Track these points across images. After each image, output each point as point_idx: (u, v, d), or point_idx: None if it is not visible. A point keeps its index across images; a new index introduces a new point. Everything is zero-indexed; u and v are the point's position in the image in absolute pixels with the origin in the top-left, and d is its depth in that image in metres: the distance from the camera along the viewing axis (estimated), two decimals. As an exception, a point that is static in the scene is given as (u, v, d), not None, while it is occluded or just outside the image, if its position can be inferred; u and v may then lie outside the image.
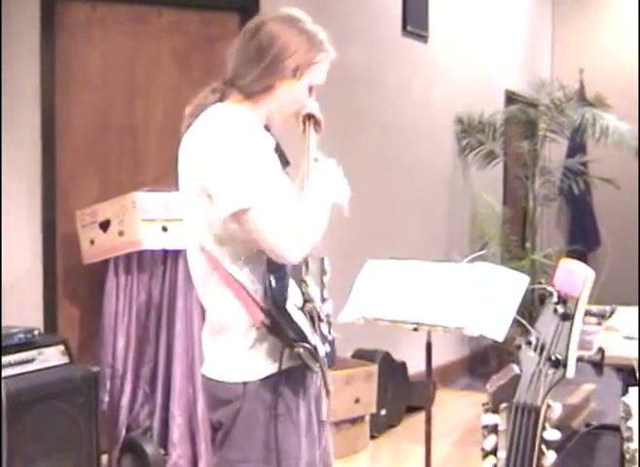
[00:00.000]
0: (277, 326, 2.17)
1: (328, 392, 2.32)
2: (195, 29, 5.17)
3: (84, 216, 4.55)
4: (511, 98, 8.14)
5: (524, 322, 2.29)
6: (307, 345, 2.18)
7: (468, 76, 7.46)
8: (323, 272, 2.45)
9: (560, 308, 1.68)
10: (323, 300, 2.39)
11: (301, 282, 2.25)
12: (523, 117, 7.49)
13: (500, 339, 3.18)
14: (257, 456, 2.25)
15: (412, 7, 6.55)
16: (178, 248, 4.50)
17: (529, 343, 1.71)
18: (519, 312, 3.22)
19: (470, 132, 7.39)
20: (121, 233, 4.41)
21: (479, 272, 3.35)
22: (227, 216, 2.18)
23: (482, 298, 3.25)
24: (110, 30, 4.96)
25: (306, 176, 2.33)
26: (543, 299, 1.76)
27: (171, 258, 4.54)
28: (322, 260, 2.47)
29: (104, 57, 4.96)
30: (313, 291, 2.30)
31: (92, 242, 4.53)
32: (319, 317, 2.27)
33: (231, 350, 2.28)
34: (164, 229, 4.40)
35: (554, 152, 8.25)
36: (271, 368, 2.23)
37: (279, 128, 2.44)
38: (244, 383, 2.24)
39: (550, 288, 1.74)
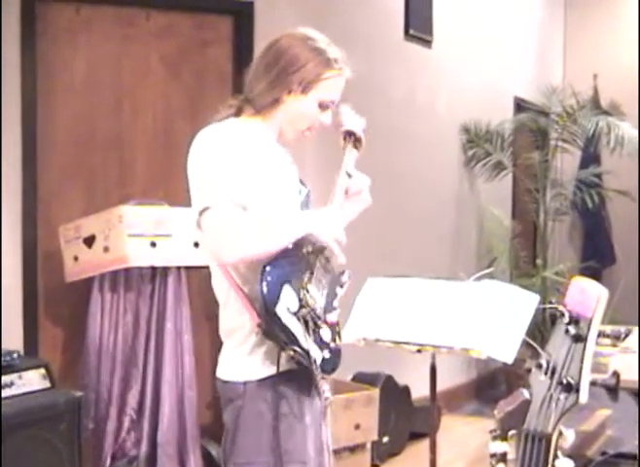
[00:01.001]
0: (269, 329, 2.33)
1: (320, 396, 2.47)
2: (186, 33, 5.18)
3: (67, 231, 4.56)
4: (520, 106, 8.16)
5: (534, 344, 2.30)
6: (297, 349, 2.33)
7: (475, 82, 7.48)
8: (338, 283, 2.59)
9: (572, 329, 1.69)
10: (332, 309, 2.53)
11: (301, 289, 2.38)
12: (533, 126, 7.51)
13: (509, 361, 3.18)
14: (262, 458, 2.42)
15: (415, 9, 6.57)
16: (167, 265, 4.51)
17: (540, 367, 1.71)
18: (529, 333, 3.21)
19: (477, 142, 7.40)
20: (106, 250, 4.42)
21: (486, 291, 3.36)
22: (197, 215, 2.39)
23: (490, 318, 3.25)
24: (95, 34, 4.98)
25: (338, 192, 2.58)
26: (554, 319, 1.77)
27: (160, 276, 4.55)
28: (341, 272, 2.62)
29: (89, 63, 4.97)
30: (316, 298, 2.43)
31: (76, 259, 4.53)
32: (315, 323, 2.40)
33: (235, 352, 2.49)
34: (153, 244, 4.41)
35: (567, 163, 8.27)
36: (270, 370, 2.42)
37: (294, 143, 2.60)
38: (244, 383, 2.44)
39: (561, 308, 1.74)
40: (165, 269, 4.53)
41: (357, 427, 5.18)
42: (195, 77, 5.21)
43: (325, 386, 2.44)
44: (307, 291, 2.40)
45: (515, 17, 8.38)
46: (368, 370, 5.62)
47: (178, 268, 4.56)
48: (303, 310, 2.36)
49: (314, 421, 2.50)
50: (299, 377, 2.43)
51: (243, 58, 4.95)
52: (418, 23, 6.63)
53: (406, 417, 5.83)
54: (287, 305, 2.33)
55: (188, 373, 4.57)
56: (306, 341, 2.35)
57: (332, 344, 2.49)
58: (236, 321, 2.46)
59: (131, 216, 4.39)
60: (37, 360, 4.24)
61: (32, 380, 4.02)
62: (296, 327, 2.34)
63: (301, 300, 2.37)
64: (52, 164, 4.82)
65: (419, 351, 3.36)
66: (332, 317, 2.51)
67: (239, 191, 2.35)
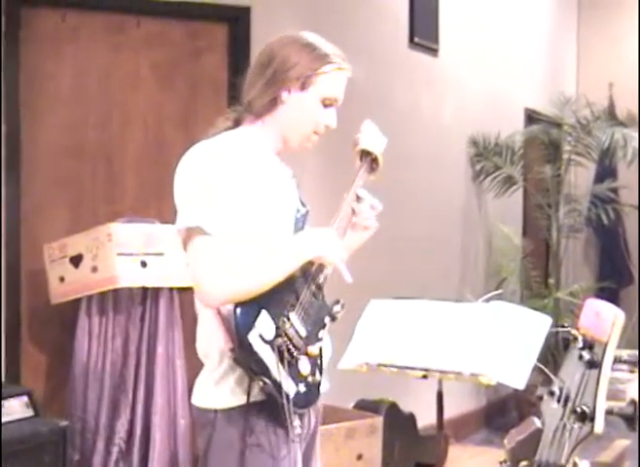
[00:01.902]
0: (240, 356, 2.29)
1: (289, 435, 2.36)
2: (178, 41, 5.20)
3: (52, 250, 4.56)
4: (531, 117, 8.17)
5: (546, 370, 2.30)
6: (267, 381, 2.27)
7: (483, 93, 7.50)
8: (328, 313, 2.51)
9: (586, 354, 1.69)
10: (317, 340, 2.46)
11: (281, 317, 2.32)
12: (545, 138, 7.52)
13: (520, 387, 3.18)
14: None
15: (421, 16, 6.59)
16: (159, 285, 4.51)
17: (552, 394, 1.71)
18: (541, 358, 3.21)
19: (485, 156, 7.40)
20: (94, 269, 4.42)
21: (495, 313, 3.36)
22: (179, 235, 2.35)
23: (500, 341, 3.25)
24: (82, 42, 4.99)
25: (342, 216, 2.54)
26: (567, 343, 1.77)
27: (151, 297, 4.55)
28: (336, 301, 2.55)
29: (76, 72, 4.98)
30: (297, 328, 2.37)
31: (62, 279, 4.53)
32: (292, 354, 2.33)
33: (208, 376, 2.45)
34: (144, 264, 4.41)
35: (580, 177, 8.27)
36: (241, 399, 2.36)
37: (299, 150, 2.56)
38: (215, 411, 2.40)
39: (574, 331, 1.75)
40: (157, 290, 4.54)
41: (359, 458, 5.17)
42: (189, 87, 5.22)
43: (296, 422, 2.33)
44: (288, 319, 2.34)
45: (526, 24, 8.40)
46: (370, 397, 5.61)
47: (170, 288, 4.56)
48: (279, 340, 2.29)
49: (292, 455, 2.42)
50: (272, 408, 2.34)
51: (239, 67, 4.95)
52: (423, 31, 6.64)
53: (411, 447, 5.82)
54: (261, 332, 2.26)
55: (180, 400, 4.56)
56: (279, 373, 2.28)
57: (310, 378, 2.42)
58: (210, 343, 2.42)
59: (121, 234, 4.40)
60: (19, 387, 4.24)
61: (14, 409, 4.02)
62: (268, 357, 2.27)
63: (278, 328, 2.30)
64: (36, 179, 4.83)
65: (425, 377, 3.36)
66: (314, 349, 2.43)
67: (230, 212, 2.30)
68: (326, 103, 2.50)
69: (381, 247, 6.13)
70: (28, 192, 4.78)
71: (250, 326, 2.24)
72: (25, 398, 4.08)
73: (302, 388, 2.39)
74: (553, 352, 6.08)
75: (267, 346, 2.27)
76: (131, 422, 4.54)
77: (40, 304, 4.69)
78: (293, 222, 2.51)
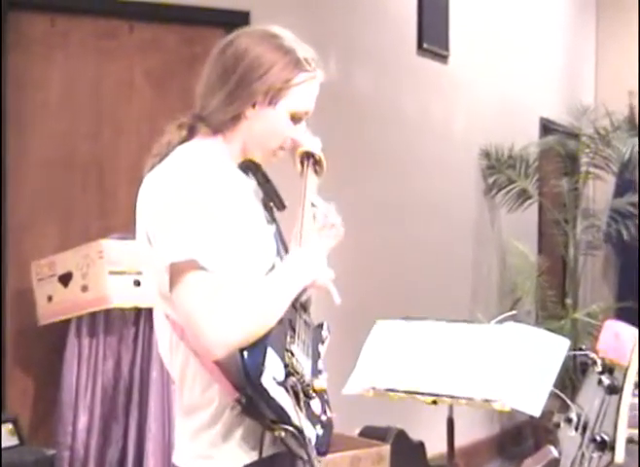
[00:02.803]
0: (253, 405, 2.09)
1: None
2: (173, 47, 5.21)
3: (40, 268, 4.57)
4: (547, 127, 8.18)
5: (563, 396, 2.30)
6: (290, 428, 2.11)
7: (496, 101, 7.51)
8: (319, 340, 2.43)
9: (606, 379, 1.69)
10: (317, 372, 2.35)
11: (284, 352, 2.16)
12: (562, 149, 7.53)
13: (536, 414, 3.17)
14: None
15: (430, 21, 6.60)
16: (153, 306, 4.50)
17: (570, 421, 1.71)
18: (558, 383, 3.21)
19: (498, 168, 7.41)
20: (84, 289, 4.42)
21: (509, 335, 3.36)
22: (164, 270, 2.14)
23: (514, 365, 3.25)
24: (72, 47, 5.01)
25: (299, 231, 2.33)
26: (585, 367, 1.77)
27: (145, 318, 4.55)
28: (320, 325, 2.46)
29: (65, 80, 5.00)
30: (302, 362, 2.24)
31: (50, 299, 4.54)
32: (306, 393, 2.20)
33: (200, 436, 2.24)
34: (137, 283, 4.41)
35: (599, 191, 8.29)
36: (250, 456, 2.19)
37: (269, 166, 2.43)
38: None
39: (592, 355, 1.75)
40: (150, 311, 4.51)
41: (365, 489, 5.16)
42: (184, 96, 5.19)
43: None
44: (292, 354, 2.18)
45: (542, 29, 8.42)
46: (377, 423, 5.60)
47: (165, 309, 4.56)
48: (292, 379, 2.13)
49: None
50: (283, 463, 2.21)
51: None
52: (433, 36, 6.66)
53: (420, 477, 5.81)
54: (273, 373, 2.07)
55: (175, 426, 4.55)
56: (298, 418, 2.12)
57: (323, 417, 2.29)
58: (201, 397, 2.22)
59: (113, 251, 4.40)
60: (4, 414, 4.23)
61: (-1, 436, 4.01)
62: (285, 400, 2.10)
63: (286, 365, 2.14)
64: (23, 193, 4.83)
65: (435, 403, 3.36)
66: (320, 383, 2.29)
67: (223, 242, 2.11)
68: (296, 118, 2.33)
69: (388, 264, 6.14)
70: (15, 206, 4.79)
71: (261, 368, 2.05)
72: (10, 425, 4.08)
73: (320, 430, 2.26)
74: (571, 377, 6.07)
75: (282, 389, 2.11)
76: (123, 451, 4.54)
77: (27, 325, 4.69)
78: (274, 245, 2.34)
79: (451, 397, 3.33)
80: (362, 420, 5.58)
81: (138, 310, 4.53)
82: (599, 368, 1.74)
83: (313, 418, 2.23)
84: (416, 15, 6.54)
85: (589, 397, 1.73)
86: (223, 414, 2.19)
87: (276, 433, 2.11)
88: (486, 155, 7.40)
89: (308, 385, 2.22)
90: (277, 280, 2.18)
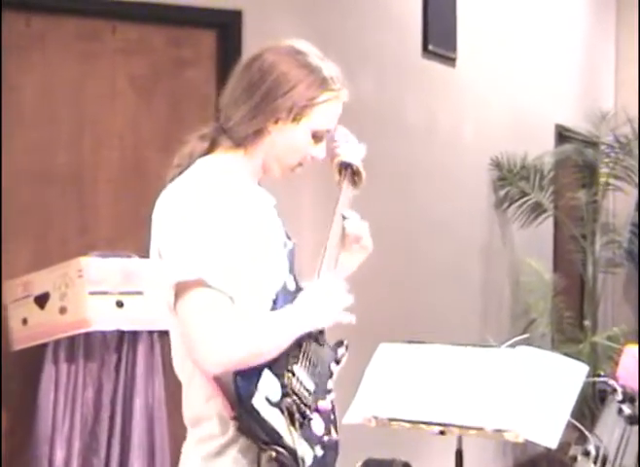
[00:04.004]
0: (245, 425, 2.25)
1: None
2: (160, 50, 5.22)
3: (14, 288, 4.56)
4: (563, 135, 8.20)
5: (580, 426, 2.31)
6: (280, 449, 2.25)
7: (507, 107, 7.53)
8: (334, 359, 2.53)
9: (627, 409, 1.70)
10: (326, 392, 2.46)
11: (284, 372, 2.31)
12: (579, 159, 7.56)
13: (552, 446, 3.17)
14: None
15: (436, 21, 6.62)
16: (137, 329, 4.51)
17: (588, 454, 1.72)
18: (576, 412, 3.21)
19: (510, 180, 7.43)
20: (63, 310, 4.42)
21: (522, 360, 3.36)
22: (170, 287, 2.30)
23: (528, 393, 3.26)
24: (50, 50, 5.01)
25: (332, 241, 2.55)
26: (604, 395, 1.78)
27: (128, 342, 4.55)
28: (338, 344, 2.57)
29: (43, 85, 5.00)
30: (304, 382, 2.36)
31: (25, 322, 4.53)
32: (303, 414, 2.32)
33: (200, 448, 2.41)
34: (120, 304, 4.41)
35: (620, 204, 8.30)
36: None
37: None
38: None
39: (612, 382, 1.75)
40: (135, 334, 4.54)
41: (367, 527, 5.15)
42: (171, 102, 5.24)
43: None
44: (293, 374, 2.32)
45: (557, 29, 8.43)
46: (380, 455, 5.59)
47: (150, 332, 4.56)
48: (288, 400, 2.28)
49: None
50: None
51: (228, 80, 4.98)
52: (439, 37, 6.68)
53: (426, 515, 5.80)
54: (266, 394, 2.24)
55: (161, 461, 4.55)
56: (292, 439, 2.26)
57: (325, 438, 2.41)
58: (203, 408, 2.40)
59: (94, 270, 4.40)
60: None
61: (-30, 471, 4.01)
62: (278, 421, 2.25)
63: (284, 386, 2.29)
64: (-3, 207, 4.83)
65: (442, 433, 3.36)
66: (325, 403, 2.43)
67: (231, 263, 2.27)
68: (317, 135, 2.51)
69: (392, 283, 6.15)
70: (-12, 221, 4.79)
71: (253, 389, 2.22)
72: (-18, 460, 4.07)
73: (319, 451, 2.38)
74: (590, 405, 6.07)
75: (276, 410, 2.25)
76: (104, 487, 4.54)
77: (-1, 349, 4.69)
78: (287, 264, 2.49)
79: (460, 427, 3.33)
80: (363, 452, 5.56)
81: (121, 334, 4.53)
82: (619, 396, 1.75)
83: (313, 439, 2.36)
84: (421, 14, 6.55)
85: (609, 427, 1.74)
86: (221, 429, 2.35)
87: (269, 453, 2.25)
88: (497, 165, 7.41)
89: (308, 406, 2.34)
90: (285, 318, 2.35)
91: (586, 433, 1.78)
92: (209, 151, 2.51)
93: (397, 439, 4.41)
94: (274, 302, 2.37)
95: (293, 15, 5.55)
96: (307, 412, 2.34)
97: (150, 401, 4.54)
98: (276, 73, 2.43)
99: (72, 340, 4.50)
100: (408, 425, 3.41)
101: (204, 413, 2.39)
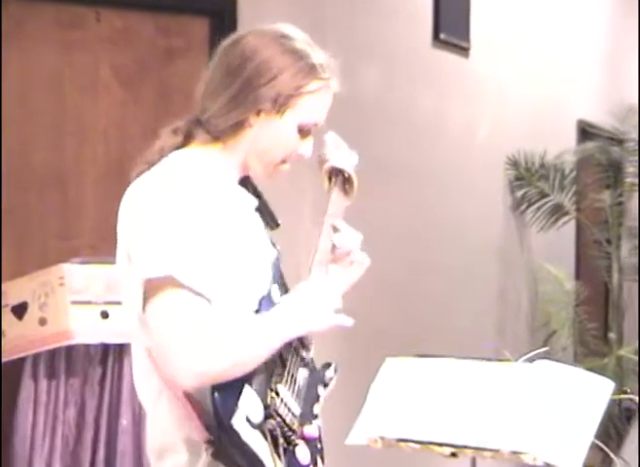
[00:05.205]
0: (222, 449, 2.18)
1: None
2: (147, 39, 5.22)
3: (-10, 298, 4.57)
4: (586, 132, 8.21)
5: (605, 448, 2.31)
6: None
7: (525, 101, 7.53)
8: (321, 382, 2.48)
9: (655, 427, 1.70)
10: (312, 417, 2.40)
11: (268, 391, 2.24)
12: (603, 157, 7.55)
13: (574, 469, 3.18)
14: None
15: (448, 8, 6.63)
16: (123, 342, 4.50)
17: (612, 477, 1.72)
18: (600, 432, 3.21)
19: (528, 180, 7.43)
20: (43, 322, 4.42)
21: (542, 375, 3.36)
22: (139, 289, 2.22)
23: (548, 411, 3.26)
24: (28, 39, 5.01)
25: (312, 257, 2.42)
26: (631, 414, 1.78)
27: (114, 356, 4.55)
28: (326, 366, 2.51)
29: (19, 77, 5.00)
30: (288, 404, 2.30)
31: (1, 334, 4.54)
32: (288, 440, 2.26)
33: None
34: (104, 315, 4.42)
35: (647, 206, 8.29)
36: None
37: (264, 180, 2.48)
38: None
39: (638, 399, 1.76)
40: (121, 348, 4.53)
41: None
42: (159, 95, 5.24)
43: None
44: (277, 394, 2.25)
45: (579, 18, 8.44)
46: (387, 480, 5.60)
47: (137, 345, 4.56)
48: (271, 422, 2.21)
49: None
50: None
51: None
52: (451, 25, 6.68)
53: None
54: (247, 413, 2.16)
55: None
56: (274, 464, 2.20)
57: (310, 466, 2.34)
58: (171, 436, 2.31)
59: (76, 277, 4.41)
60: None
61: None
62: (260, 446, 2.18)
63: (267, 407, 2.22)
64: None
65: (454, 455, 3.36)
66: (311, 430, 2.36)
67: (208, 262, 2.19)
68: (304, 130, 2.43)
69: (400, 293, 6.15)
70: (-39, 225, 4.80)
71: (233, 408, 2.14)
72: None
73: None
74: (615, 425, 6.06)
75: (257, 432, 2.19)
76: (87, 515, 4.54)
77: (-26, 364, 4.69)
78: (271, 271, 2.42)
79: (474, 448, 3.33)
80: (369, 476, 5.58)
81: (106, 347, 4.53)
82: (647, 414, 1.75)
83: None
84: (432, 0, 6.56)
85: (636, 449, 1.74)
86: (193, 458, 2.25)
87: None
88: (514, 164, 7.42)
89: (293, 430, 2.27)
90: (271, 322, 2.26)
91: (612, 455, 1.78)
92: (183, 145, 2.44)
93: (405, 461, 4.40)
94: (257, 313, 2.29)
95: (291, 1, 5.55)
96: (293, 437, 2.28)
97: (136, 419, 4.54)
98: (259, 59, 2.36)
99: (52, 353, 4.50)
100: (417, 446, 3.41)
101: (171, 440, 2.31)
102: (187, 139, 2.44)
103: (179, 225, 2.19)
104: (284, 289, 2.45)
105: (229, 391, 2.15)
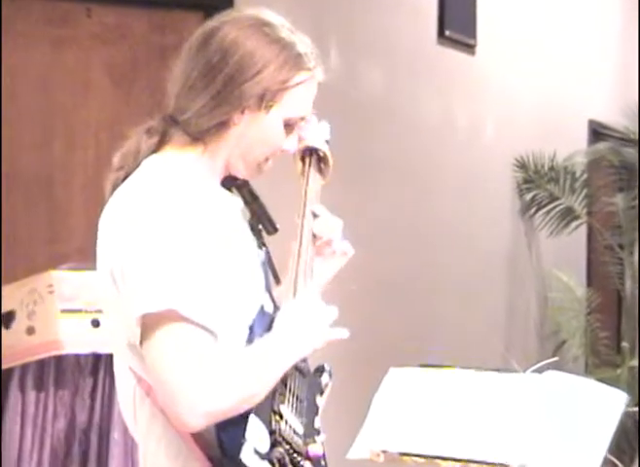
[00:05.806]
0: None
1: None
2: (140, 35, 5.23)
3: (-24, 306, 4.57)
4: (597, 132, 8.20)
5: (619, 463, 2.30)
6: None
7: (534, 101, 7.53)
8: (317, 390, 2.42)
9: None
10: (314, 433, 2.34)
11: (271, 414, 2.17)
12: (616, 159, 7.55)
13: (585, 485, 3.17)
14: None
15: (453, 3, 6.64)
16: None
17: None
18: (613, 447, 3.21)
19: (537, 182, 7.43)
20: (30, 331, 4.42)
21: (551, 386, 3.36)
22: (135, 320, 2.12)
23: (558, 424, 3.25)
24: (16, 36, 5.01)
25: (297, 250, 2.33)
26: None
27: (105, 366, 4.54)
28: (319, 370, 2.44)
29: (6, 75, 4.99)
30: (293, 424, 2.22)
31: (-11, 344, 4.54)
32: (295, 464, 2.18)
33: None
34: (95, 323, 4.41)
35: (662, 209, 8.29)
36: None
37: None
38: None
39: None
40: (112, 358, 4.52)
41: None
42: (153, 95, 5.23)
43: None
44: (281, 416, 2.17)
45: (589, 13, 8.44)
46: (390, 496, 5.59)
47: (129, 355, 4.56)
48: (279, 450, 2.13)
49: None
50: None
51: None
52: (457, 22, 6.69)
53: None
54: (255, 445, 2.08)
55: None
56: None
57: None
58: (169, 465, 2.23)
59: (66, 285, 4.40)
60: None
61: None
62: None
63: (272, 432, 2.13)
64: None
65: (461, 470, 3.36)
66: (316, 448, 2.26)
67: (207, 290, 2.11)
68: (290, 124, 2.35)
69: (403, 300, 6.14)
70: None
71: (240, 441, 2.07)
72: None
73: None
74: (629, 439, 6.06)
75: (265, 462, 2.11)
76: None
77: (-41, 375, 4.69)
78: (262, 281, 2.35)
79: (480, 463, 3.33)
80: (371, 492, 5.57)
81: (97, 357, 4.53)
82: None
83: None
84: (437, -4, 6.58)
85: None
86: None
87: None
88: (523, 166, 7.42)
89: (299, 453, 2.20)
90: (272, 350, 2.19)
91: (625, 470, 1.77)
92: (158, 148, 2.34)
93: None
94: (251, 328, 2.22)
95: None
96: (299, 459, 2.20)
97: (129, 434, 4.52)
98: (240, 52, 2.25)
99: (41, 364, 4.50)
100: (421, 460, 3.40)
101: None
102: (162, 140, 2.35)
103: (175, 251, 2.10)
104: (271, 296, 2.38)
105: (234, 424, 2.08)
